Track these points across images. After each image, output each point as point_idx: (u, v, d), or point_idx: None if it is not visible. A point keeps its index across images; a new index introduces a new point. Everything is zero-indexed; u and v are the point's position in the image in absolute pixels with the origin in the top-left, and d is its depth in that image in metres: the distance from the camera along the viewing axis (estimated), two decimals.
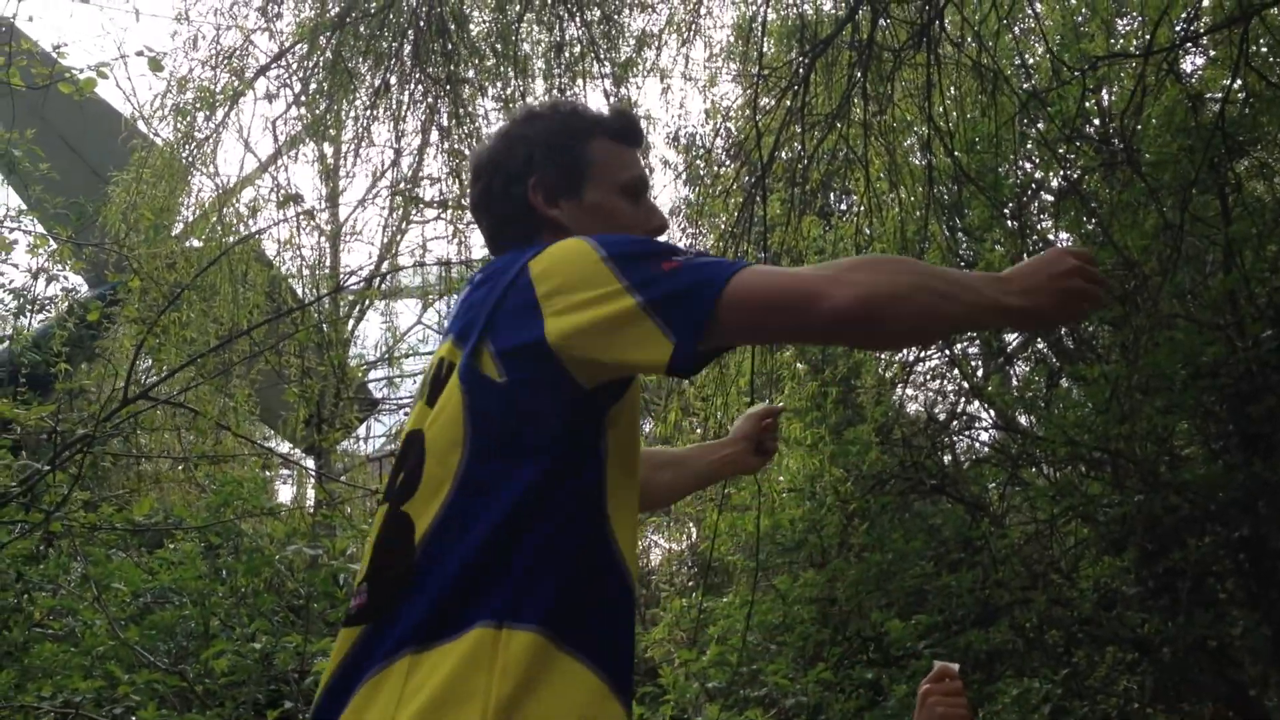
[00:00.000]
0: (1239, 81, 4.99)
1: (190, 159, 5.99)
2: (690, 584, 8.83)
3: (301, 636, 5.12)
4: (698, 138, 8.18)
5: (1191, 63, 6.60)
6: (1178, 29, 5.39)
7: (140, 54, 4.71)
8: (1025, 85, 6.04)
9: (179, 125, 5.75)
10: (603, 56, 5.94)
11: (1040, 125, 6.23)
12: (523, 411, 1.37)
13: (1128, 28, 6.62)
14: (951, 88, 5.72)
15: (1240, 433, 6.04)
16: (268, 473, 9.67)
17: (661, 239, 1.66)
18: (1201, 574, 6.12)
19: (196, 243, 6.31)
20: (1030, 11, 5.85)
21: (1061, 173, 6.50)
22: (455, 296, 1.67)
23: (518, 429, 1.36)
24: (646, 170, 1.79)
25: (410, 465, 1.41)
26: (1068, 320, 1.56)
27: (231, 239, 6.12)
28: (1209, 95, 5.63)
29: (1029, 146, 6.84)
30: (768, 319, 1.39)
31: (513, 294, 1.40)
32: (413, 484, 1.38)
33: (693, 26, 6.05)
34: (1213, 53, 5.83)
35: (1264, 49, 5.52)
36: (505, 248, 1.62)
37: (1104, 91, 6.78)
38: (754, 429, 2.15)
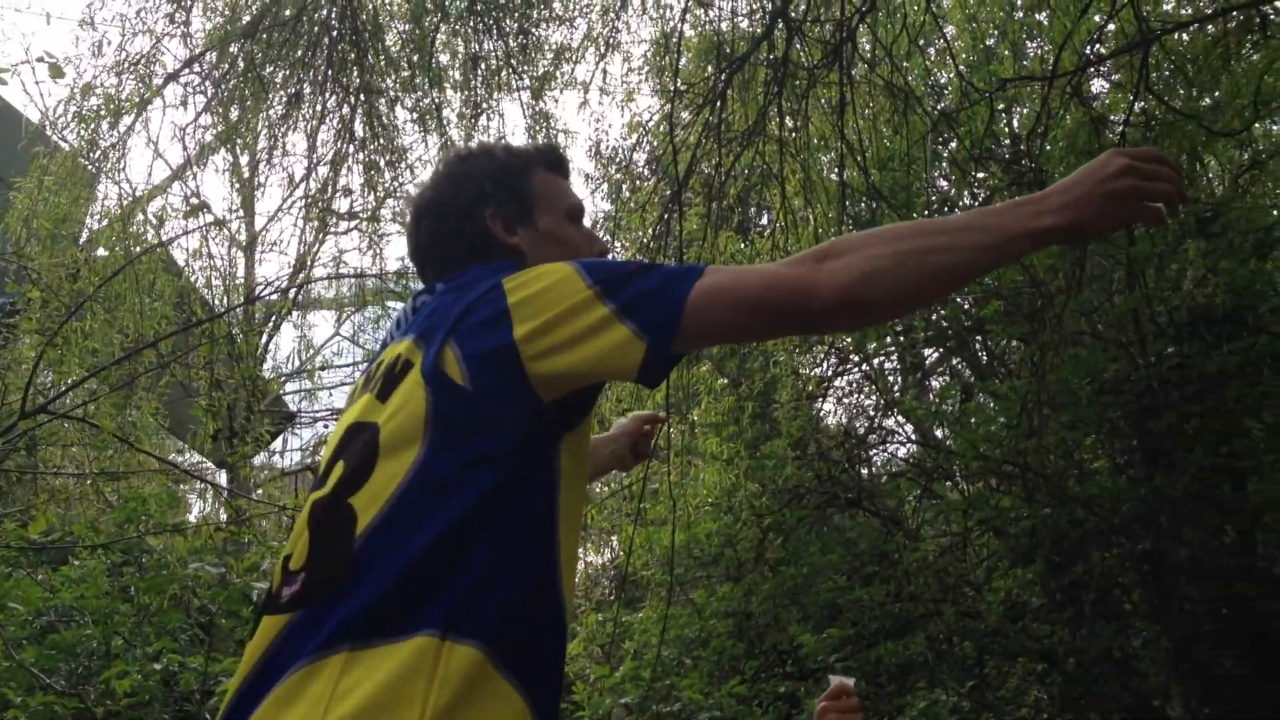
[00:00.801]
0: (1140, 105, 5.12)
1: (96, 166, 5.85)
2: (610, 597, 8.81)
3: (204, 656, 5.00)
4: (618, 152, 8.21)
5: (1101, 85, 6.79)
6: (1088, 51, 5.52)
7: (41, 59, 4.59)
8: (938, 106, 6.14)
9: (83, 132, 5.61)
10: (519, 70, 5.92)
11: (953, 145, 6.34)
12: (484, 419, 1.35)
13: (1036, 51, 6.77)
14: (866, 109, 5.81)
15: (1143, 448, 6.18)
16: (182, 487, 9.48)
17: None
18: (1107, 586, 6.25)
19: (102, 252, 6.15)
20: (941, 34, 5.95)
21: (970, 191, 6.62)
22: (409, 302, 1.66)
23: (478, 435, 1.35)
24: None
25: (356, 457, 1.39)
26: (1118, 225, 1.44)
27: (138, 249, 5.97)
28: (1112, 118, 5.77)
29: (944, 166, 6.97)
30: (746, 318, 1.39)
31: (484, 305, 1.40)
32: (361, 477, 1.35)
33: (609, 41, 6.06)
34: (1116, 77, 5.99)
35: (1166, 73, 5.68)
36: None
37: (1014, 113, 6.92)
38: (635, 430, 2.22)
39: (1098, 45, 5.23)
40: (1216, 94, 5.73)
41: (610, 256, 1.79)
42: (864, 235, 1.41)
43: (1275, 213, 5.84)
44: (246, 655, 1.32)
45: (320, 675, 1.22)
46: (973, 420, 7.10)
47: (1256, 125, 6.18)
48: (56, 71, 4.49)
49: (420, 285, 1.72)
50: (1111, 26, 5.26)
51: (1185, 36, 5.51)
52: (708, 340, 1.47)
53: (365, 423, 1.42)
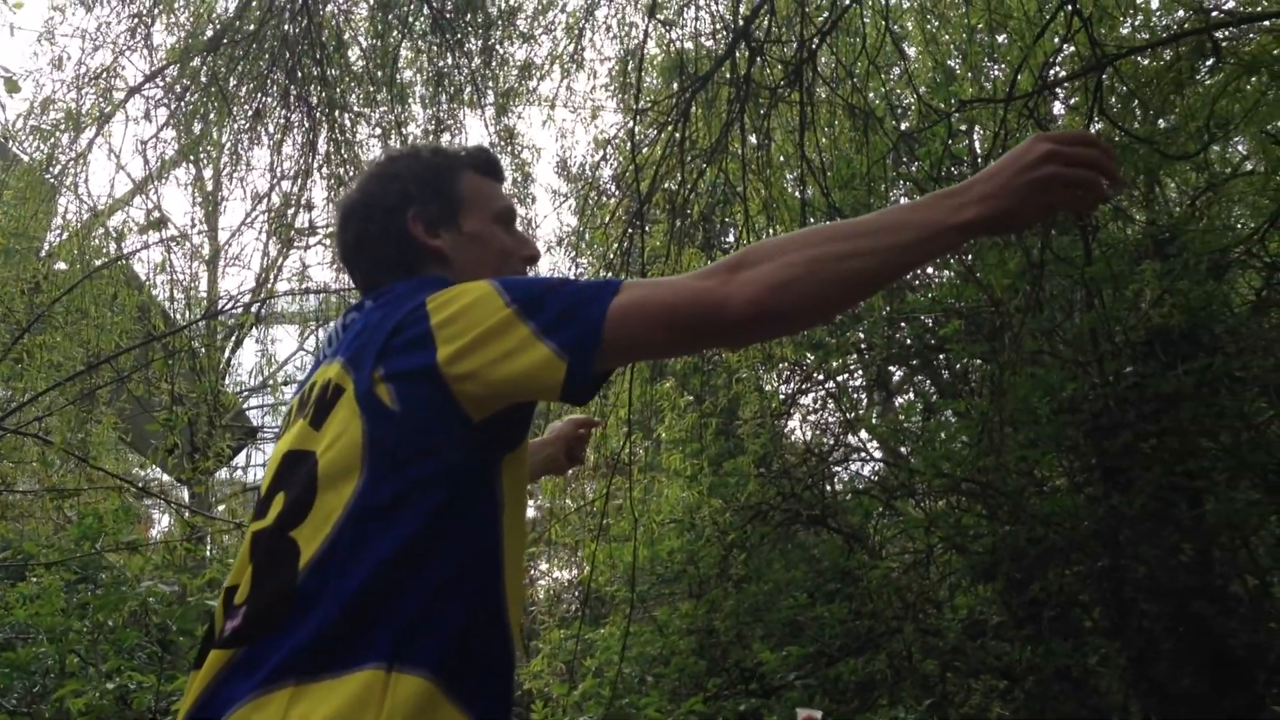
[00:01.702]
0: (1095, 128, 5.17)
1: (56, 180, 5.81)
2: (573, 613, 8.78)
3: (156, 675, 4.96)
4: (585, 168, 8.21)
5: (1061, 107, 6.85)
6: (1045, 74, 5.58)
7: None
8: (899, 125, 6.19)
9: (41, 146, 5.57)
10: (483, 86, 5.92)
11: (917, 165, 6.39)
12: (417, 443, 1.34)
13: (997, 72, 6.83)
14: (827, 126, 5.85)
15: (1101, 466, 6.23)
16: (146, 502, 9.38)
17: (547, 273, 1.63)
18: (1066, 604, 6.29)
19: (62, 265, 6.11)
20: (901, 56, 6.01)
21: None
22: (340, 319, 1.65)
23: (413, 461, 1.34)
24: (515, 201, 1.80)
25: (297, 489, 1.37)
26: (1041, 216, 1.36)
27: (99, 262, 5.94)
28: None
29: (907, 184, 7.00)
30: (662, 334, 1.37)
31: (409, 326, 1.39)
32: (302, 509, 1.34)
33: (574, 59, 6.07)
34: (1073, 100, 6.05)
35: (1121, 96, 5.74)
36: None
37: (974, 134, 6.98)
38: (570, 434, 2.22)
39: (1055, 68, 5.28)
40: (1171, 117, 5.80)
41: (536, 269, 1.78)
42: (778, 242, 1.37)
43: (1230, 234, 5.91)
44: (192, 687, 1.31)
45: (268, 708, 1.21)
46: (941, 435, 7.13)
47: (1213, 148, 6.27)
48: (12, 86, 4.46)
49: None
50: (1070, 49, 5.32)
51: (1144, 60, 5.57)
52: (629, 356, 1.45)
53: (302, 451, 1.41)
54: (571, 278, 1.45)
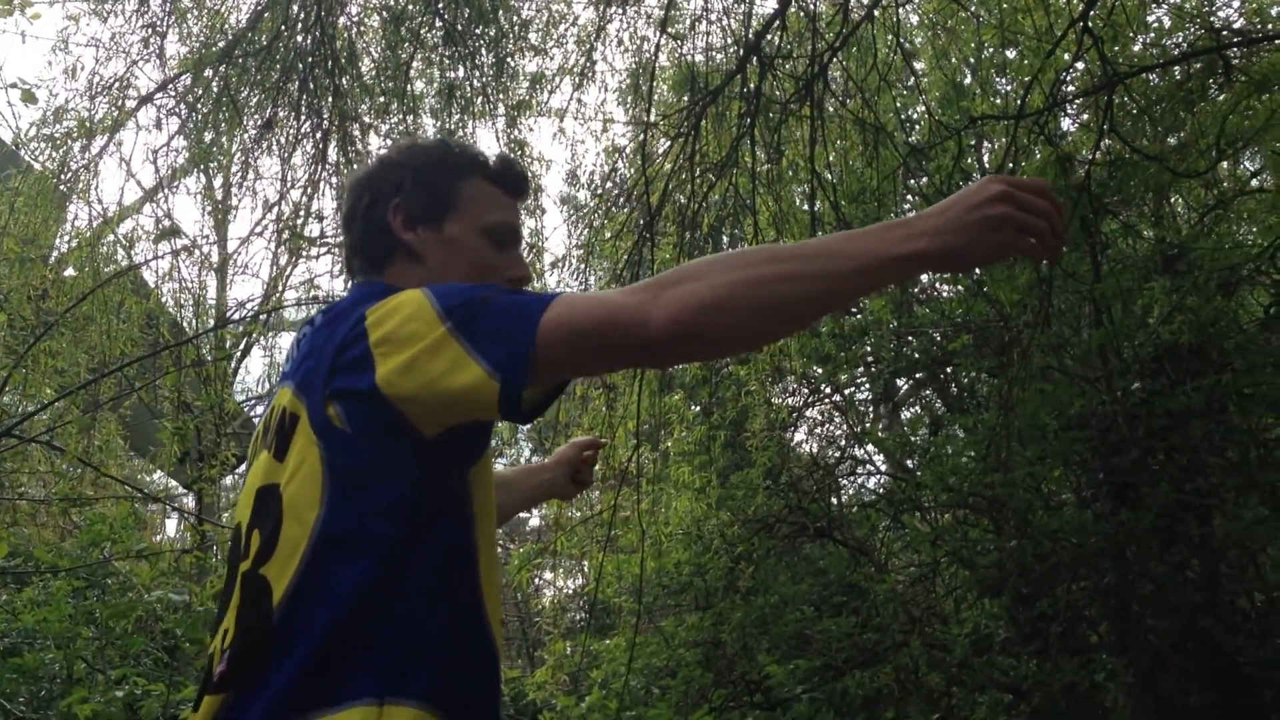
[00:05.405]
0: (1106, 144, 5.18)
1: (67, 187, 5.83)
2: (580, 624, 8.77)
3: (166, 685, 4.96)
4: (594, 179, 8.21)
5: (1072, 123, 6.85)
6: (1056, 91, 5.58)
7: (14, 85, 4.58)
8: (910, 139, 6.20)
9: (54, 154, 5.59)
10: (494, 98, 5.95)
11: (925, 180, 6.39)
12: (372, 463, 1.33)
13: (1007, 88, 6.83)
14: (837, 141, 5.86)
15: (1109, 482, 6.22)
16: (151, 508, 9.39)
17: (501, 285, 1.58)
18: (1073, 619, 6.28)
19: (71, 272, 6.12)
20: (910, 71, 6.02)
21: None
22: (297, 333, 1.62)
23: (371, 483, 1.32)
24: (522, 223, 1.75)
25: (269, 525, 1.36)
26: (989, 257, 1.30)
27: (109, 269, 5.95)
28: (1079, 157, 5.82)
29: (916, 199, 7.01)
30: (588, 351, 1.32)
31: (351, 344, 1.36)
32: (271, 545, 1.33)
33: (584, 72, 6.09)
34: (1084, 117, 6.06)
35: (1132, 113, 5.74)
36: (357, 269, 1.63)
37: (984, 150, 6.99)
38: (575, 457, 2.18)
39: (1066, 85, 5.29)
40: (1181, 134, 5.80)
41: (532, 286, 1.76)
42: (710, 261, 1.31)
43: (1240, 251, 5.91)
44: None
45: None
46: (947, 449, 7.11)
47: (1223, 165, 6.27)
48: (29, 97, 4.49)
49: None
50: (1082, 66, 5.33)
51: (1153, 78, 5.58)
52: (559, 373, 1.40)
53: (270, 485, 1.40)
54: (503, 288, 1.42)
